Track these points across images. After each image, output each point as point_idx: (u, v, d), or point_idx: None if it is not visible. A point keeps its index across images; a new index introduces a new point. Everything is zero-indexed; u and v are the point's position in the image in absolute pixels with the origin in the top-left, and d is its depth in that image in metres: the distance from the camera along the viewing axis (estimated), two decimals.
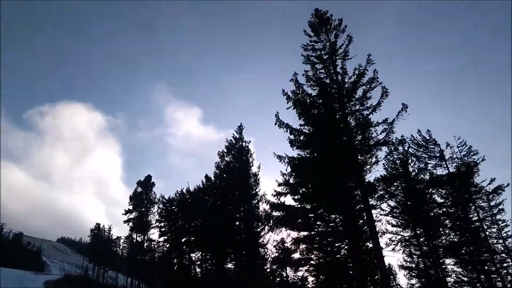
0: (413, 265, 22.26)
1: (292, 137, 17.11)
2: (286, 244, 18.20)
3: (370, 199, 15.93)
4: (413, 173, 23.04)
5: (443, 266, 21.29)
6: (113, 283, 53.89)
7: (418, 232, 22.02)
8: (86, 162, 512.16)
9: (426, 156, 23.26)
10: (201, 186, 29.26)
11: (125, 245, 52.85)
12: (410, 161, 23.39)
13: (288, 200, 17.90)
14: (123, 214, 45.11)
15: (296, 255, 17.28)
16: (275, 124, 17.05)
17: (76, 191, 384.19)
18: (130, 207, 45.35)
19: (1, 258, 72.28)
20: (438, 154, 22.95)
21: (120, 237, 56.05)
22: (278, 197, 17.84)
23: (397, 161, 23.25)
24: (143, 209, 44.98)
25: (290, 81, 17.66)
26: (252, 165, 26.80)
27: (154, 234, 43.49)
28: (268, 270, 22.64)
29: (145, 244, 43.74)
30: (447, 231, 21.83)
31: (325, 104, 17.46)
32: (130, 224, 44.54)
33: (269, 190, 24.93)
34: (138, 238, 44.77)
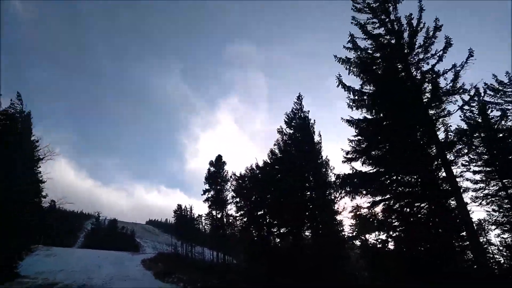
0: (504, 219, 20.62)
1: (354, 98, 16.59)
2: (362, 210, 17.86)
3: (448, 153, 14.99)
4: (492, 121, 21.05)
5: None
6: (200, 257, 57.64)
7: (507, 183, 20.28)
8: None
9: (504, 101, 21.09)
10: (268, 161, 29.67)
11: (206, 221, 55.80)
12: (488, 109, 21.33)
13: (358, 166, 17.35)
14: (201, 194, 47.70)
15: (374, 220, 16.82)
16: (337, 86, 16.60)
17: None
18: (207, 187, 47.70)
19: (101, 242, 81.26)
20: None
21: (201, 215, 59.30)
22: (349, 162, 17.39)
23: (474, 110, 21.32)
24: (218, 187, 47.02)
25: (348, 42, 17.01)
26: (314, 134, 26.56)
27: (231, 210, 45.38)
28: (346, 236, 22.60)
29: (224, 220, 45.92)
30: None
31: (384, 58, 16.60)
32: (209, 202, 46.95)
33: (332, 158, 24.68)
34: (217, 214, 47.17)
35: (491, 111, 21.28)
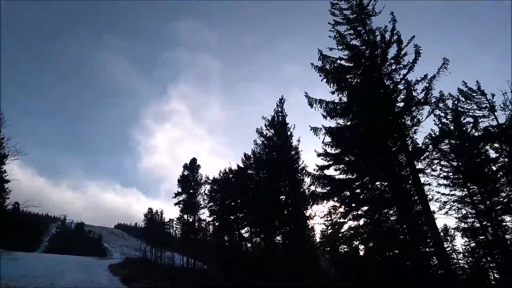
0: (468, 226, 21.24)
1: (327, 109, 16.76)
2: (333, 215, 18.05)
3: (416, 162, 15.32)
4: (464, 128, 21.65)
5: (503, 224, 19.91)
6: (170, 263, 56.58)
7: (472, 191, 20.94)
8: None
9: (473, 108, 21.75)
10: (241, 165, 29.52)
11: (177, 226, 54.82)
12: (461, 116, 21.85)
13: (331, 172, 17.50)
14: (173, 197, 46.81)
15: (345, 226, 17.03)
16: (308, 104, 16.76)
17: None
18: (179, 190, 46.80)
19: (67, 247, 78.39)
20: (484, 105, 21.32)
21: (173, 219, 58.18)
22: (321, 170, 17.52)
23: (447, 117, 21.85)
24: (191, 190, 46.29)
25: (318, 59, 17.21)
26: (292, 139, 26.34)
27: (203, 214, 44.73)
28: (317, 241, 22.81)
29: (196, 224, 45.28)
30: (507, 188, 20.29)
31: (358, 67, 16.89)
32: (181, 205, 46.14)
33: (309, 163, 24.65)
34: (189, 218, 46.43)
35: (464, 119, 21.81)
